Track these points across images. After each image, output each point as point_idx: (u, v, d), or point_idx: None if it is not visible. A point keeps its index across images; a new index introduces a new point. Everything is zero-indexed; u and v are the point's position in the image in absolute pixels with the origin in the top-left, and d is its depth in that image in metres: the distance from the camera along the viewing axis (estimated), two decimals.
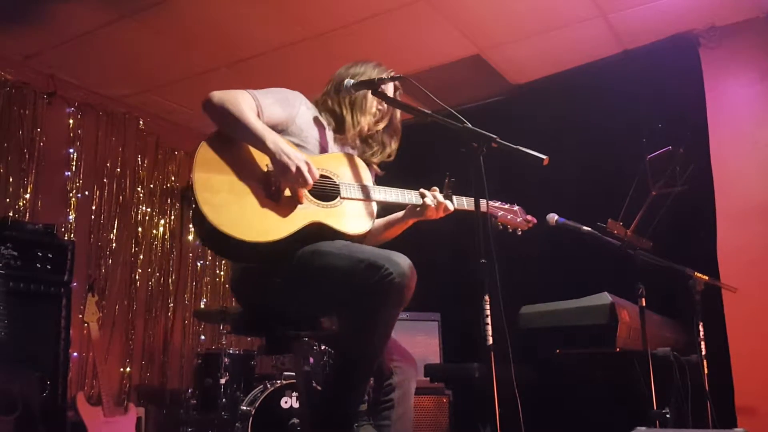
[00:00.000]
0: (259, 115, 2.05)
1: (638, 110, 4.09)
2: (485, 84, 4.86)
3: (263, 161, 2.02)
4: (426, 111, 2.05)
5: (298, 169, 1.95)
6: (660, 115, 3.90)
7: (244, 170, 2.00)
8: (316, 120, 2.23)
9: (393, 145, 2.42)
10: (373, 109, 2.32)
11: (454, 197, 2.32)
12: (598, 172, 4.21)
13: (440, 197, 2.26)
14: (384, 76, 2.25)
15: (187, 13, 3.93)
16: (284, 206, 2.01)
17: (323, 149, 2.20)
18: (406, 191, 2.25)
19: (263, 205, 1.98)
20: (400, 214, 2.36)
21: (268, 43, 4.22)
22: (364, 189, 2.17)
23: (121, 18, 3.97)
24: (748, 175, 3.90)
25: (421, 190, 2.27)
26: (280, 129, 2.11)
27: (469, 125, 1.90)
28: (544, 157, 1.86)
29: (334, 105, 2.27)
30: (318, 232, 2.02)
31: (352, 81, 2.23)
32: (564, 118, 4.43)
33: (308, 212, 2.03)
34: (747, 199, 3.87)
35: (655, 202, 2.97)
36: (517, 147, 1.89)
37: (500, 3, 3.90)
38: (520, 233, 2.49)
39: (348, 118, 2.26)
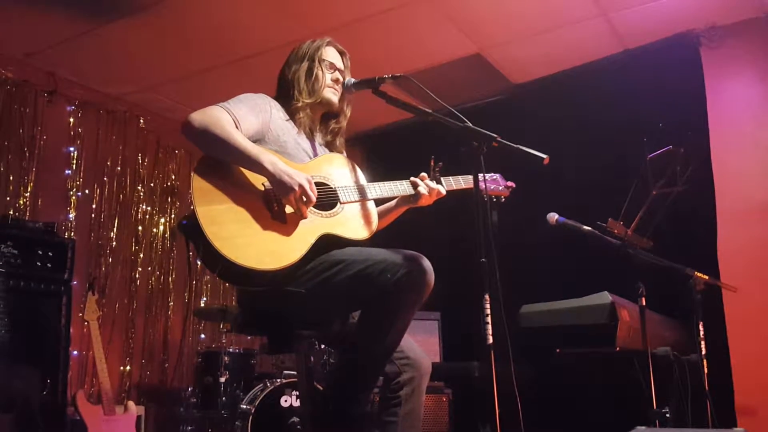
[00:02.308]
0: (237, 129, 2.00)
1: (639, 110, 4.09)
2: (486, 83, 4.86)
3: (258, 180, 2.00)
4: (427, 110, 2.04)
5: (301, 187, 1.93)
6: (661, 114, 3.89)
7: (243, 194, 1.97)
8: (288, 120, 2.20)
9: (348, 112, 2.36)
10: (328, 80, 2.26)
11: (443, 178, 2.31)
12: (598, 172, 4.21)
13: (431, 183, 2.26)
14: (322, 47, 2.26)
15: (187, 11, 3.93)
16: (290, 224, 1.99)
17: (302, 148, 2.18)
18: (398, 183, 2.25)
19: (271, 228, 1.96)
20: (392, 203, 2.35)
21: (268, 41, 4.22)
22: (360, 189, 2.17)
23: (121, 16, 3.97)
24: (748, 175, 3.90)
25: (412, 179, 2.27)
26: (257, 138, 2.08)
27: (470, 124, 1.90)
28: (544, 156, 1.87)
29: (298, 98, 2.22)
30: (328, 243, 2.02)
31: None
32: (564, 118, 4.44)
33: (315, 225, 2.03)
34: (747, 199, 3.87)
35: (655, 202, 2.97)
36: (518, 146, 1.89)
37: (501, 2, 3.90)
38: (503, 200, 2.46)
39: (311, 99, 2.22)
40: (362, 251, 2.00)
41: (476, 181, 1.84)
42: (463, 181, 2.35)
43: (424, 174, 2.30)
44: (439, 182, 2.30)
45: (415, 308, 1.92)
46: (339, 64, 2.32)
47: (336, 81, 2.28)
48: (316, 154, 2.24)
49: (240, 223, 1.92)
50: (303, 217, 2.00)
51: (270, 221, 1.97)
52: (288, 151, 2.13)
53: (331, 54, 2.30)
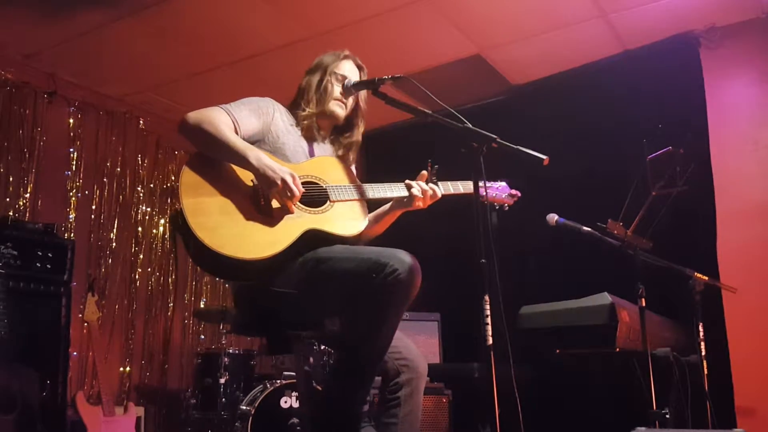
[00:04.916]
0: (236, 131, 2.05)
1: (639, 111, 4.09)
2: (485, 84, 4.86)
3: (248, 176, 2.02)
4: (426, 111, 2.05)
5: (283, 181, 1.95)
6: (660, 115, 3.90)
7: (231, 188, 2.00)
8: (291, 125, 2.23)
9: (362, 126, 2.41)
10: (336, 93, 2.28)
11: (440, 183, 2.31)
12: (598, 173, 4.21)
13: (425, 185, 2.25)
14: (338, 60, 2.30)
15: (187, 11, 3.93)
16: (276, 219, 2.01)
17: (301, 153, 2.20)
18: (393, 185, 2.25)
19: (256, 220, 1.98)
20: (387, 207, 2.35)
21: (269, 42, 4.22)
22: (353, 189, 2.18)
23: (121, 17, 3.97)
24: (748, 175, 3.90)
25: (407, 181, 2.26)
26: (257, 139, 2.12)
27: (470, 125, 1.90)
28: (544, 157, 1.87)
29: (304, 107, 2.26)
30: (314, 238, 2.02)
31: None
32: (564, 119, 4.44)
33: (301, 221, 2.03)
34: (747, 199, 3.87)
35: (655, 203, 2.98)
36: (518, 147, 1.89)
37: (501, 3, 3.90)
38: (507, 209, 2.47)
39: (316, 109, 2.26)
40: (349, 249, 2.00)
41: (476, 185, 1.84)
42: (463, 187, 2.35)
43: (424, 172, 2.29)
44: (435, 186, 2.29)
45: (404, 307, 1.92)
46: (353, 77, 2.31)
47: (343, 97, 2.29)
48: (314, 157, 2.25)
49: (225, 215, 1.94)
50: (289, 212, 2.02)
51: (256, 215, 1.99)
52: (286, 152, 2.15)
53: (345, 67, 2.32)
